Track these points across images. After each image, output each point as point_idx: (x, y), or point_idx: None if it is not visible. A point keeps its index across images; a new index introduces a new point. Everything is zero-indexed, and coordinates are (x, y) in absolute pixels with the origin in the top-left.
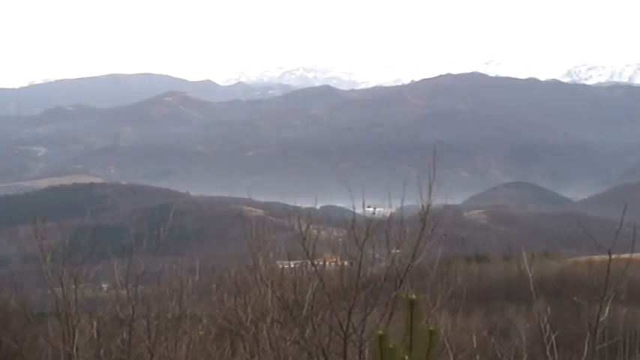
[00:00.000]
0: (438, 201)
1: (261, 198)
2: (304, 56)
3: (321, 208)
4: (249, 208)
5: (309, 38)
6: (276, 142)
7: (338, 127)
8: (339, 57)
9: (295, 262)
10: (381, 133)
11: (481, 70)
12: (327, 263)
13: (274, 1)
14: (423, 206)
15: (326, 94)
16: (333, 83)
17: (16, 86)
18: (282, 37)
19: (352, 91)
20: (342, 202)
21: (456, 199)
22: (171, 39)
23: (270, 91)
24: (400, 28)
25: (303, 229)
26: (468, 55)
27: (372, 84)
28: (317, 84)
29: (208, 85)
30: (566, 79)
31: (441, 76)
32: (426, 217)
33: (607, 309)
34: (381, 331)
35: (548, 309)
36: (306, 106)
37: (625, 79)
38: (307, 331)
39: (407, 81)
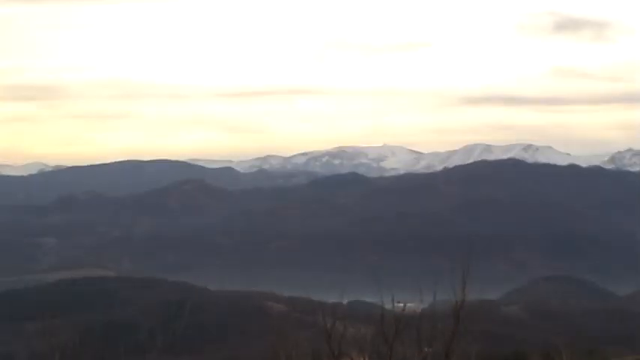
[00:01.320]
0: (473, 296)
1: (284, 292)
2: (330, 142)
3: (348, 303)
4: (271, 303)
5: (336, 123)
6: (300, 233)
7: (366, 218)
8: (367, 142)
9: None
10: (412, 224)
11: (519, 157)
12: None
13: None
14: (456, 302)
15: (353, 181)
16: (360, 170)
17: (26, 174)
18: (307, 122)
19: (381, 178)
20: (370, 297)
21: (493, 294)
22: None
23: (294, 179)
24: (430, 112)
25: (329, 325)
26: (504, 141)
27: (402, 171)
28: (344, 171)
29: (228, 172)
30: (609, 166)
31: (475, 162)
32: (459, 313)
33: None
34: None
35: None
36: (332, 195)
37: None
38: None
39: (439, 168)
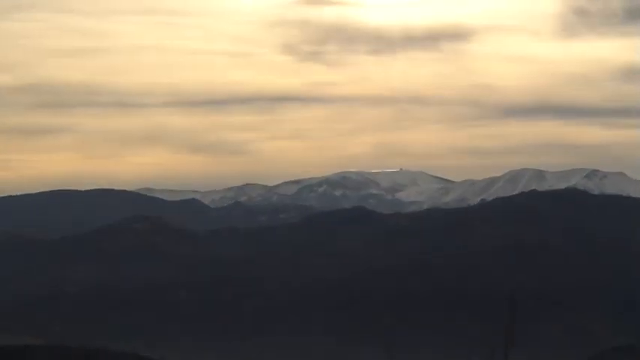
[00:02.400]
0: None
1: None
2: (329, 165)
3: None
4: None
5: (337, 141)
6: (288, 288)
7: (377, 268)
8: (378, 166)
9: None
10: (438, 276)
11: (580, 186)
12: None
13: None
14: None
15: (360, 219)
16: (369, 204)
17: None
18: (298, 139)
19: (397, 215)
20: None
21: None
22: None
23: (281, 215)
24: (462, 127)
25: None
26: (561, 166)
27: (424, 205)
28: (347, 205)
29: (194, 205)
30: None
31: (523, 194)
32: None
33: None
34: None
35: None
36: (331, 237)
37: None
38: None
39: (474, 201)
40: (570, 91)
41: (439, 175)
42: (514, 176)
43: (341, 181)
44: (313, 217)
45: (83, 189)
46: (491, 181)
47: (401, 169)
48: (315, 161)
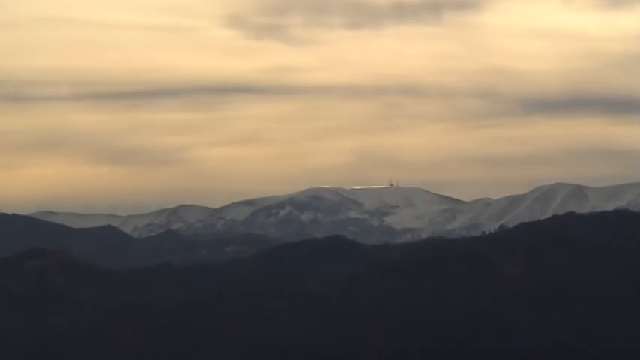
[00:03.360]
0: None
1: None
2: (296, 180)
3: None
4: None
5: (305, 146)
6: (238, 346)
7: (359, 319)
8: (362, 181)
9: None
10: (442, 330)
11: (633, 207)
12: None
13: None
14: None
15: (336, 252)
16: (349, 232)
17: None
18: (250, 143)
19: (386, 247)
20: None
21: None
22: (37, 146)
23: (228, 248)
24: (472, 127)
25: None
26: (606, 179)
27: (423, 233)
28: (318, 233)
29: (110, 235)
30: None
31: (556, 218)
32: None
33: None
34: None
35: None
36: (297, 278)
37: None
38: None
39: (491, 227)
40: (616, 78)
41: (443, 192)
42: (544, 194)
43: (310, 202)
44: (272, 251)
45: None
46: (514, 201)
47: (391, 184)
48: (276, 175)
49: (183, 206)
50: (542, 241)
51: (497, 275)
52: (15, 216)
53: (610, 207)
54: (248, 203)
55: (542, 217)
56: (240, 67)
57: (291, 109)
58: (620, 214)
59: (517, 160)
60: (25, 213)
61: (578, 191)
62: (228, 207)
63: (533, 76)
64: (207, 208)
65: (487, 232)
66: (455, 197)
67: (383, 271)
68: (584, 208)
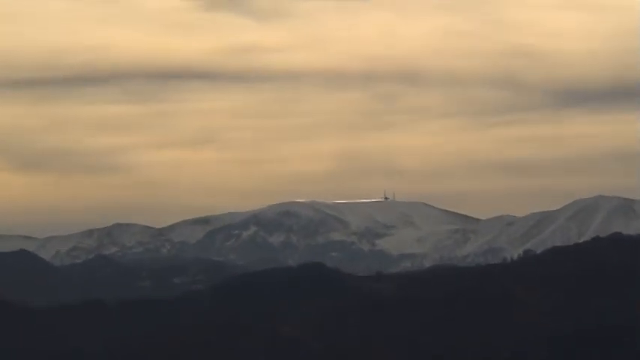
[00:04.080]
0: None
1: None
2: (264, 192)
3: None
4: None
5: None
6: None
7: None
8: (348, 194)
9: None
10: None
11: None
12: None
13: None
14: None
15: (315, 284)
16: (331, 258)
17: None
18: (203, 144)
19: (379, 277)
20: None
21: None
22: None
23: (177, 279)
24: (486, 123)
25: None
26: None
27: (427, 260)
28: (292, 260)
29: (24, 261)
30: None
31: (597, 240)
32: None
33: None
34: None
35: None
36: (270, 312)
37: None
38: None
39: (513, 252)
40: None
41: (451, 208)
42: (582, 210)
43: (281, 220)
44: (233, 283)
45: None
46: (543, 219)
47: (385, 197)
48: (237, 185)
49: (119, 225)
50: (580, 271)
51: (522, 315)
52: None
53: None
54: (202, 222)
55: (580, 240)
56: (190, 47)
57: (256, 100)
58: None
59: (547, 166)
60: None
61: (626, 206)
62: (176, 226)
63: (566, 58)
64: (149, 227)
65: (509, 259)
66: (467, 214)
67: (374, 308)
68: (633, 228)
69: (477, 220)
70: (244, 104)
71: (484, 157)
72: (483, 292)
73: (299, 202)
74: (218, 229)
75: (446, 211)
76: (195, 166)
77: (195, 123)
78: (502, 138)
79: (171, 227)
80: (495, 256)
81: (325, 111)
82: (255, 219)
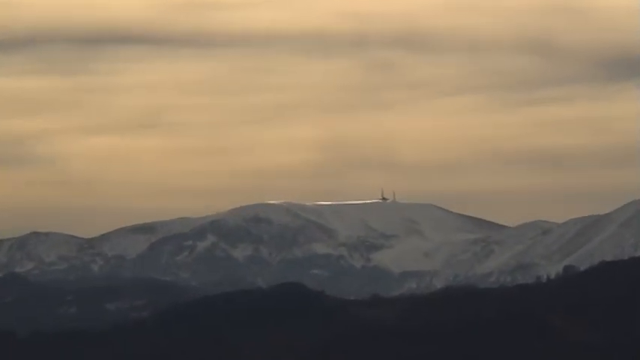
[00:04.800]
0: None
1: None
2: (217, 193)
3: None
4: None
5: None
6: None
7: None
8: (329, 194)
9: None
10: None
11: None
12: None
13: None
14: None
15: (295, 306)
16: (314, 277)
17: None
18: (139, 137)
19: (375, 302)
20: None
21: None
22: None
23: (110, 304)
24: (517, 105)
25: None
26: None
27: (438, 280)
28: (261, 279)
29: None
30: None
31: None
32: None
33: None
34: None
35: None
36: (235, 346)
37: None
38: None
39: (549, 269)
40: None
41: (470, 212)
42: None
43: (248, 228)
44: (186, 310)
45: None
46: (589, 227)
47: (383, 198)
48: (190, 182)
49: (36, 234)
50: (637, 293)
51: (561, 346)
52: None
53: None
54: (144, 230)
55: (637, 254)
56: (126, 2)
57: (214, 72)
58: None
59: (593, 158)
60: None
61: None
62: (110, 236)
63: (617, 16)
64: (75, 237)
65: (544, 279)
66: (489, 219)
67: (369, 342)
68: None
69: (503, 227)
70: (198, 77)
71: (511, 146)
72: (511, 322)
73: (271, 204)
74: (165, 239)
75: (462, 215)
76: (134, 157)
77: (133, 101)
78: (534, 120)
79: (104, 237)
80: (527, 275)
81: (304, 85)
82: (214, 226)
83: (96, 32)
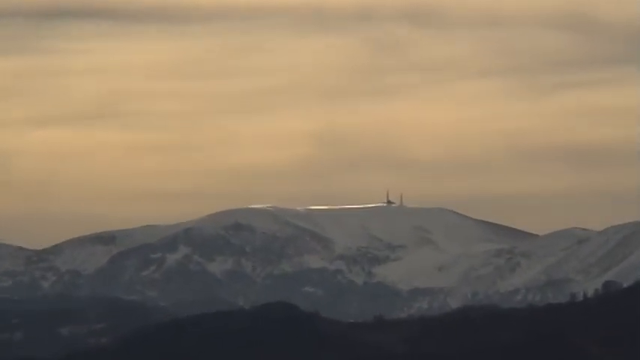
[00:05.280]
0: None
1: None
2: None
3: None
4: None
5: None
6: None
7: None
8: (324, 197)
9: None
10: None
11: None
12: None
13: None
14: None
15: (285, 329)
16: (307, 296)
17: None
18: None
19: (380, 324)
20: None
21: None
22: None
23: (64, 328)
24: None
25: None
26: None
27: (454, 299)
28: (248, 297)
29: None
30: None
31: None
32: None
33: None
34: None
35: None
36: None
37: None
38: None
39: (589, 283)
40: None
41: (490, 217)
42: None
43: (228, 237)
44: (154, 334)
45: None
46: (633, 234)
47: (389, 201)
48: (158, 185)
49: None
50: None
51: None
52: None
53: None
54: (104, 240)
55: None
56: None
57: (186, 52)
58: None
59: (638, 154)
60: None
61: None
62: (64, 247)
63: None
64: (22, 249)
65: (580, 297)
66: (516, 227)
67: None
68: None
69: (531, 236)
70: (167, 58)
71: (541, 140)
72: (540, 349)
73: (254, 209)
74: (128, 251)
75: (482, 222)
76: (91, 154)
77: (90, 87)
78: (568, 109)
79: (56, 249)
80: (559, 292)
81: (295, 68)
82: (187, 236)
83: (45, 4)
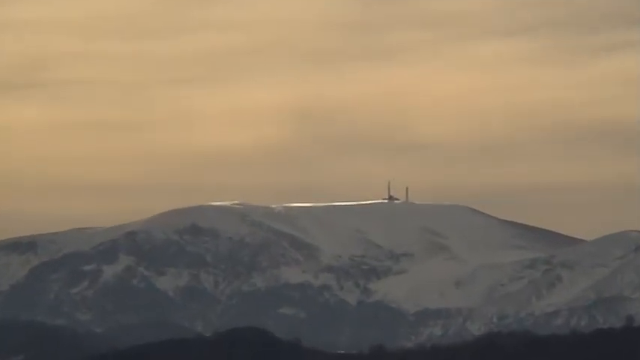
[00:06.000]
0: None
1: None
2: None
3: None
4: None
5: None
6: None
7: None
8: (319, 194)
9: None
10: None
11: None
12: None
13: None
14: None
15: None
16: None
17: None
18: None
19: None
20: None
21: None
22: None
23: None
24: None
25: None
26: None
27: (478, 320)
28: (212, 321)
29: None
30: None
31: None
32: None
33: None
34: None
35: None
36: None
37: None
38: None
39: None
40: None
41: (520, 218)
42: None
43: (182, 243)
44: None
45: None
46: None
47: (391, 197)
48: (90, 175)
49: None
50: None
51: None
52: None
53: None
54: (20, 247)
55: None
56: None
57: (130, 4)
58: None
59: None
60: None
61: None
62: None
63: None
64: None
65: (639, 319)
66: (555, 230)
67: None
68: None
69: (575, 241)
70: (103, 12)
71: (579, 117)
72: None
73: (216, 206)
74: (53, 262)
75: (509, 222)
76: (5, 134)
77: (6, 48)
78: (612, 77)
79: None
80: (612, 313)
81: (268, 25)
82: (130, 242)
83: None
